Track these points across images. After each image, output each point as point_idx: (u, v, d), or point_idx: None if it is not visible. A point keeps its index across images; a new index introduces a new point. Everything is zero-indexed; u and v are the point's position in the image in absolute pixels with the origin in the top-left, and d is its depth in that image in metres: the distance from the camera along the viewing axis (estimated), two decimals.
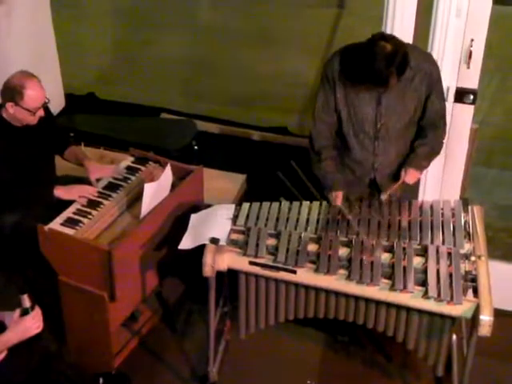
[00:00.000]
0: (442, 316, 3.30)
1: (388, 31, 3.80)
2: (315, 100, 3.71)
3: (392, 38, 3.39)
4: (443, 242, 3.42)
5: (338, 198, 3.67)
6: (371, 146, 3.68)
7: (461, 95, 3.87)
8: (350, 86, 3.57)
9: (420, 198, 4.04)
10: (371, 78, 3.39)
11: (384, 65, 3.31)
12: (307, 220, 3.59)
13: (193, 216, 3.67)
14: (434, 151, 3.74)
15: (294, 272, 3.38)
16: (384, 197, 3.61)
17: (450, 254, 3.36)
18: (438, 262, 3.31)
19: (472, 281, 3.26)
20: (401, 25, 3.78)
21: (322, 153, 3.74)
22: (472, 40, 3.72)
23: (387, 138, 3.65)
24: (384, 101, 3.56)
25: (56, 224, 3.73)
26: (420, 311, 3.33)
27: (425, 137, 3.68)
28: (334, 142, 3.76)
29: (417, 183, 3.86)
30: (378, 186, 3.81)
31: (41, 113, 3.91)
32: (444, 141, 3.76)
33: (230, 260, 3.46)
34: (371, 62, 3.31)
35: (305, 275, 3.39)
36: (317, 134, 3.73)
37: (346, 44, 3.61)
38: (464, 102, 3.88)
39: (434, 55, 3.77)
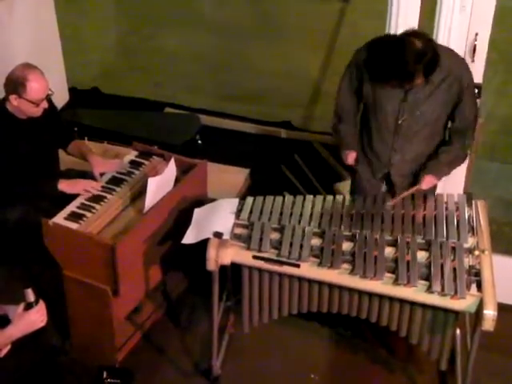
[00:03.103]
0: (446, 310, 3.30)
1: (392, 26, 3.80)
2: (340, 82, 3.77)
3: (424, 36, 3.38)
4: (447, 237, 3.42)
5: (350, 156, 3.75)
6: (390, 140, 3.68)
7: None
8: (376, 76, 3.56)
9: None
10: (397, 72, 3.38)
11: (412, 60, 3.30)
12: (311, 214, 3.59)
13: (196, 210, 3.67)
14: (458, 160, 3.72)
15: (298, 266, 3.38)
16: (391, 203, 3.59)
17: (453, 248, 3.36)
18: (441, 257, 3.31)
19: (476, 275, 3.26)
20: (405, 19, 3.77)
21: (343, 114, 3.80)
22: (476, 34, 3.71)
23: (407, 135, 3.64)
24: (410, 98, 3.55)
25: (60, 218, 3.74)
26: (423, 305, 3.33)
27: (450, 144, 3.67)
28: (356, 108, 3.81)
29: (433, 189, 3.83)
30: (392, 181, 3.81)
31: (44, 104, 3.91)
32: (469, 152, 3.74)
33: (233, 254, 3.46)
34: (400, 57, 3.31)
35: (308, 269, 3.39)
36: (342, 97, 3.79)
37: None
38: None
39: None
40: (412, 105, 3.56)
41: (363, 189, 3.87)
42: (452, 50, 3.63)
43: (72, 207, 3.83)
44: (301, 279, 3.48)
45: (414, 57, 3.30)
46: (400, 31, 3.69)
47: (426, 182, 3.64)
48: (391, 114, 3.61)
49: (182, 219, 3.79)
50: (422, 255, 3.36)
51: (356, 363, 4.03)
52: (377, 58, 3.46)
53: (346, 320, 3.78)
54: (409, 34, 3.37)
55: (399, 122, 3.61)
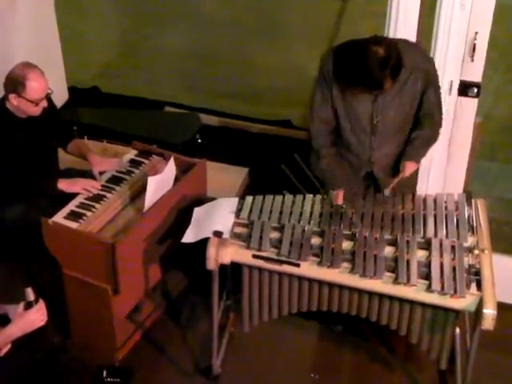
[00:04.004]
0: (446, 309, 3.30)
1: (392, 25, 3.80)
2: (312, 95, 3.70)
3: (384, 41, 3.37)
4: (447, 236, 3.42)
5: (338, 197, 3.66)
6: (368, 141, 3.68)
7: (465, 88, 3.87)
8: (345, 84, 3.57)
9: (423, 192, 4.04)
10: (365, 82, 3.38)
11: (378, 69, 3.29)
12: (310, 213, 3.59)
13: (196, 209, 3.68)
14: (431, 140, 3.74)
15: (298, 265, 3.38)
16: (387, 192, 3.61)
17: (453, 247, 3.36)
18: (441, 256, 3.31)
19: (475, 274, 3.26)
20: (405, 18, 3.78)
21: (321, 151, 3.73)
22: (476, 33, 3.71)
23: (384, 133, 3.64)
24: (380, 98, 3.55)
25: (59, 217, 3.74)
26: (423, 304, 3.33)
27: (421, 128, 3.67)
28: (332, 140, 3.75)
29: (414, 174, 3.86)
30: (376, 178, 3.81)
31: (44, 104, 3.91)
32: (441, 128, 3.75)
33: (233, 253, 3.46)
34: (364, 68, 3.30)
35: (308, 268, 3.39)
36: (316, 132, 3.73)
37: (342, 40, 3.60)
38: (468, 96, 3.88)
39: (438, 48, 3.77)
40: (384, 105, 3.56)
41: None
42: (411, 44, 3.61)
43: (72, 206, 3.83)
44: (301, 278, 3.47)
45: (379, 66, 3.28)
46: (400, 30, 3.70)
47: (408, 169, 3.66)
48: (365, 116, 3.60)
49: (182, 218, 3.79)
50: (421, 254, 3.36)
51: (356, 362, 4.03)
52: (343, 69, 3.47)
53: (336, 315, 3.76)
54: (369, 42, 3.33)
55: (374, 122, 3.61)
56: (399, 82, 3.47)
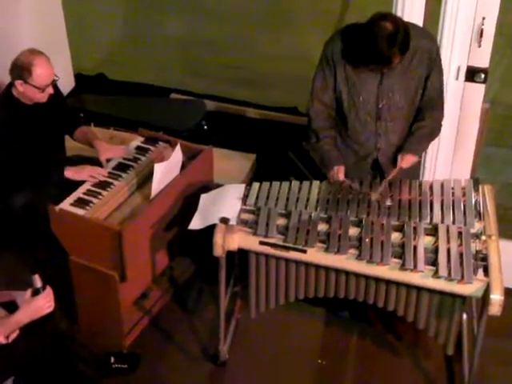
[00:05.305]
0: (453, 295, 3.30)
1: (399, 10, 3.78)
2: (313, 80, 3.69)
3: (391, 17, 3.38)
4: (454, 222, 3.42)
5: (340, 172, 3.67)
6: (373, 126, 3.66)
7: (472, 74, 3.85)
8: (351, 66, 3.56)
9: (431, 178, 4.03)
10: (374, 59, 3.38)
11: (386, 45, 3.29)
12: (317, 200, 3.59)
13: (203, 196, 3.68)
14: (433, 134, 3.73)
15: (304, 251, 3.38)
16: (377, 194, 3.58)
17: (460, 233, 3.36)
18: (448, 242, 3.31)
19: (482, 260, 3.25)
20: (411, 3, 3.76)
21: (320, 133, 3.72)
22: (483, 18, 3.69)
23: (389, 118, 3.64)
24: (386, 80, 3.54)
25: (66, 204, 3.74)
26: (430, 290, 3.33)
27: (423, 119, 3.66)
28: (331, 123, 3.74)
29: (416, 166, 3.84)
30: (381, 166, 3.80)
31: (50, 90, 3.91)
32: (442, 122, 3.73)
33: (240, 240, 3.46)
34: (373, 43, 3.30)
35: (315, 255, 3.39)
36: (315, 114, 3.72)
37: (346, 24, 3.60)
38: (475, 81, 3.86)
39: (445, 34, 3.75)
40: (389, 87, 3.56)
41: (348, 172, 3.80)
42: (414, 24, 3.60)
43: (78, 193, 3.84)
44: (307, 265, 3.48)
45: (388, 42, 3.29)
46: (407, 16, 3.69)
47: (406, 161, 3.65)
48: (370, 100, 3.59)
49: (189, 205, 3.79)
50: (428, 240, 3.36)
51: (363, 348, 4.04)
52: (352, 48, 3.46)
53: (341, 301, 3.76)
54: (376, 19, 3.34)
55: (380, 106, 3.60)
56: (404, 61, 3.47)
